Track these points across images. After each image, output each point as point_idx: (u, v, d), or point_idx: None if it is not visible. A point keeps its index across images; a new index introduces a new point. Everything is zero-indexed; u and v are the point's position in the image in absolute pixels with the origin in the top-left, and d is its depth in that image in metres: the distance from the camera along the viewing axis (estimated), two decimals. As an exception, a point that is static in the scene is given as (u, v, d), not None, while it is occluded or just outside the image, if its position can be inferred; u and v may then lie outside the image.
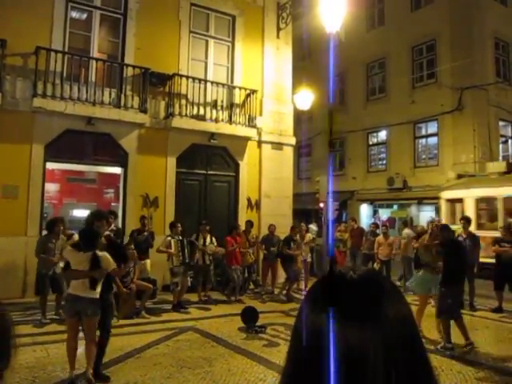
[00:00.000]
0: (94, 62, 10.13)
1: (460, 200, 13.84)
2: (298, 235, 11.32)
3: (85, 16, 10.62)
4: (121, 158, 10.47)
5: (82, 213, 12.99)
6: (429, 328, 6.85)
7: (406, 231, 11.79)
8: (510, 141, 18.44)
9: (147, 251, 9.19)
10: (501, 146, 17.77)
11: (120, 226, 10.36)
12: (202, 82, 11.24)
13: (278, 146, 12.47)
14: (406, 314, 0.72)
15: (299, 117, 15.84)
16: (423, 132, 19.32)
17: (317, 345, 0.67)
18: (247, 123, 11.66)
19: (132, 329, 7.38)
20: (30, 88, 9.25)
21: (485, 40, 17.42)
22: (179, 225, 9.23)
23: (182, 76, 10.87)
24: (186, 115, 10.86)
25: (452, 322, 6.49)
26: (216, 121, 11.24)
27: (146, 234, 9.27)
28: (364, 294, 0.71)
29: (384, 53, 20.05)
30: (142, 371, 5.42)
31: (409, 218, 16.82)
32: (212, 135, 11.20)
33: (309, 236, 11.71)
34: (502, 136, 18.09)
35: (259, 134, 12.06)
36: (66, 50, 9.89)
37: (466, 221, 9.67)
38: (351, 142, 21.66)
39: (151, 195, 10.54)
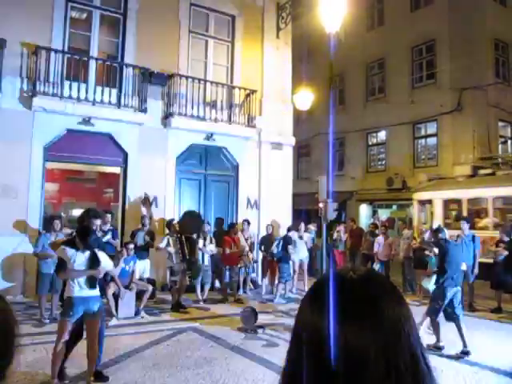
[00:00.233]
0: (94, 61, 10.13)
1: (430, 201, 14.62)
2: (296, 234, 11.36)
3: (85, 16, 10.62)
4: (120, 158, 10.47)
5: (81, 212, 13.01)
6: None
7: (406, 231, 11.81)
8: (509, 141, 18.46)
9: (147, 251, 9.21)
10: (500, 146, 17.79)
11: (119, 225, 10.39)
12: (202, 81, 11.24)
13: (277, 146, 12.47)
14: (405, 314, 0.72)
15: (299, 117, 15.85)
16: (422, 132, 19.32)
17: (317, 345, 0.67)
18: (247, 123, 11.66)
19: (131, 329, 7.38)
20: (30, 88, 9.26)
21: (484, 40, 17.44)
22: (175, 223, 9.27)
23: (181, 76, 10.87)
24: (185, 115, 10.86)
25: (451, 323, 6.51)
26: (215, 121, 11.25)
27: (145, 234, 9.29)
28: (364, 293, 0.71)
29: (383, 53, 20.05)
30: (142, 371, 5.43)
31: (408, 218, 16.83)
32: (211, 135, 11.20)
33: (307, 236, 11.73)
34: (502, 137, 18.11)
35: (259, 134, 12.06)
36: (66, 49, 9.89)
37: (466, 221, 9.67)
38: (350, 142, 21.66)
39: (151, 195, 10.54)
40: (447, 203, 14.21)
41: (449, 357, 6.17)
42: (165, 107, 10.89)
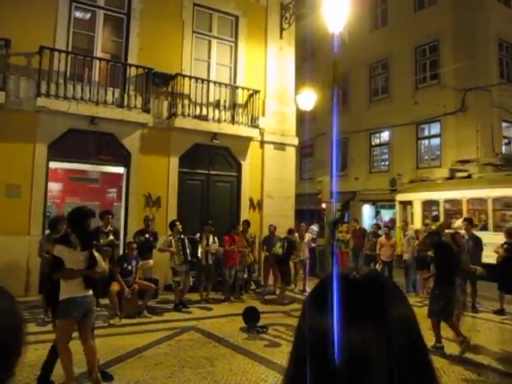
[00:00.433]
0: (98, 61, 10.16)
1: (410, 202, 15.40)
2: (296, 234, 11.36)
3: (88, 16, 10.65)
4: (123, 158, 10.49)
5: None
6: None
7: (411, 232, 11.79)
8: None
9: (150, 251, 9.22)
10: (504, 147, 17.73)
11: (122, 225, 10.41)
12: (205, 82, 11.25)
13: (280, 146, 12.47)
14: (408, 314, 0.73)
15: (302, 117, 15.85)
16: (426, 133, 19.29)
17: (320, 345, 0.67)
18: (250, 123, 11.66)
19: (134, 328, 7.40)
20: (34, 87, 9.28)
21: (488, 41, 17.39)
22: (178, 223, 9.26)
23: (184, 76, 10.89)
24: (188, 115, 10.87)
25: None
26: (218, 121, 11.25)
27: (147, 235, 9.30)
28: (367, 294, 0.71)
29: (387, 53, 20.03)
30: (144, 370, 5.43)
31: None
32: (214, 135, 11.21)
33: (308, 236, 11.73)
34: (505, 137, 18.05)
35: (262, 134, 12.06)
36: (70, 49, 9.91)
37: (469, 222, 9.65)
38: (354, 142, 21.64)
39: (154, 195, 10.56)
40: (426, 204, 14.98)
41: (451, 358, 6.15)
42: (168, 107, 10.91)
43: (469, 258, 8.79)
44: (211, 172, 11.56)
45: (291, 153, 12.80)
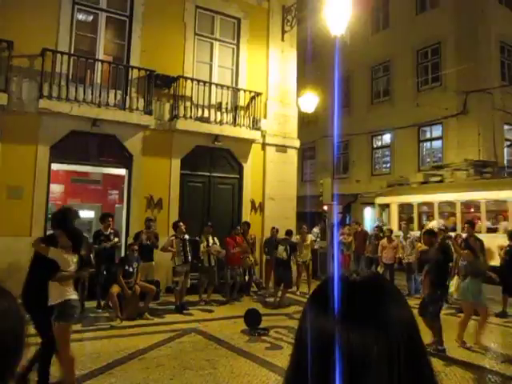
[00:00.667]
0: (100, 63, 10.17)
1: (388, 205, 16.23)
2: (298, 236, 11.37)
3: (91, 18, 10.68)
4: (125, 160, 10.50)
5: (86, 214, 13.04)
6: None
7: (413, 233, 11.78)
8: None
9: (151, 253, 9.23)
10: (506, 149, 17.72)
11: (124, 227, 10.43)
12: (207, 84, 11.27)
13: (282, 148, 12.47)
14: (407, 316, 0.73)
15: (303, 119, 15.86)
16: (428, 135, 19.29)
17: (321, 346, 0.67)
18: (251, 125, 11.67)
19: (135, 330, 7.40)
20: (36, 89, 9.31)
21: (490, 43, 17.38)
22: (182, 224, 9.26)
23: (186, 78, 10.90)
24: (190, 117, 10.89)
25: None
26: (220, 123, 11.27)
27: (149, 236, 9.32)
28: (367, 296, 0.72)
29: (389, 56, 20.04)
30: (145, 372, 5.43)
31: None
32: (216, 137, 11.22)
33: (310, 238, 11.71)
34: (507, 140, 18.03)
35: (263, 136, 12.07)
36: (72, 51, 9.94)
37: (470, 224, 9.62)
38: (355, 144, 21.64)
39: (155, 197, 10.57)
40: (402, 207, 15.93)
41: (453, 360, 6.13)
42: (170, 109, 10.93)
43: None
44: (213, 174, 11.57)
45: (293, 155, 12.80)
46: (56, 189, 12.40)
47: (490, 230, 12.51)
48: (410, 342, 0.71)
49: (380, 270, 11.11)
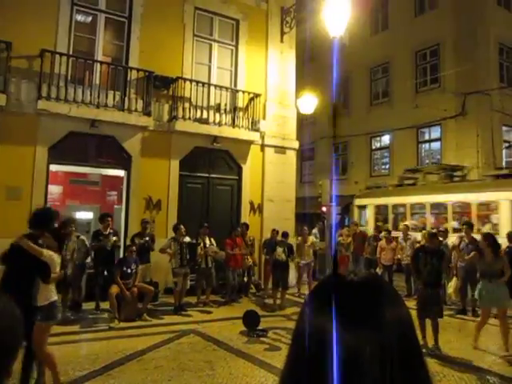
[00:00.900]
0: (99, 64, 10.17)
1: (365, 206, 17.08)
2: (299, 238, 11.35)
3: (90, 19, 10.68)
4: (124, 161, 10.49)
5: (85, 215, 13.03)
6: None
7: (413, 234, 11.76)
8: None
9: (148, 254, 9.24)
10: (504, 151, 17.74)
11: (122, 228, 10.41)
12: (206, 85, 11.27)
13: (280, 149, 12.48)
14: (404, 317, 0.73)
15: (302, 121, 15.87)
16: (426, 137, 19.31)
17: (317, 346, 0.67)
18: (250, 127, 11.67)
19: (134, 331, 7.39)
20: (35, 90, 9.30)
21: (488, 45, 17.41)
22: (182, 226, 9.28)
23: (185, 79, 10.91)
24: (189, 118, 10.89)
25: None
26: (219, 124, 11.27)
27: (146, 238, 9.31)
28: (364, 295, 0.71)
29: (388, 57, 20.07)
30: (144, 374, 5.42)
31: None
32: (215, 138, 11.22)
33: (311, 239, 11.69)
34: (506, 141, 18.04)
35: (262, 137, 12.07)
36: (71, 52, 9.93)
37: (469, 226, 9.63)
38: (354, 146, 21.66)
39: (154, 198, 10.56)
40: (378, 208, 16.78)
41: (451, 361, 6.14)
42: (169, 110, 10.92)
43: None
44: (212, 175, 11.56)
45: (292, 156, 12.81)
46: (54, 190, 12.37)
47: (456, 231, 12.68)
48: (407, 342, 0.70)
49: (379, 271, 11.10)
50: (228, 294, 10.04)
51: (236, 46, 12.20)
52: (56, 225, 5.28)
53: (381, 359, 0.65)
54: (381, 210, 16.66)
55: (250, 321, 7.50)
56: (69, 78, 9.61)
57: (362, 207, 17.28)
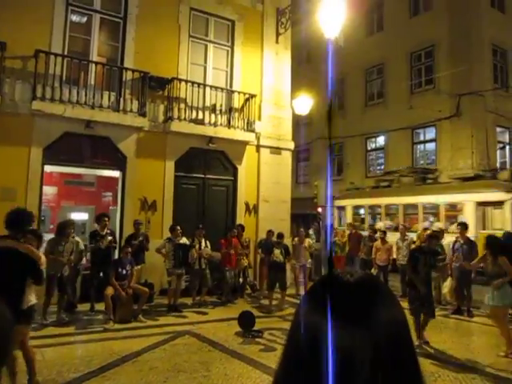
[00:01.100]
0: (94, 65, 10.13)
1: (344, 207, 18.09)
2: (296, 239, 11.35)
3: (85, 19, 10.64)
4: (119, 162, 10.46)
5: (80, 216, 12.99)
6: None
7: (410, 235, 11.78)
8: (507, 147, 18.52)
9: (142, 254, 9.23)
10: (498, 152, 17.85)
11: (118, 229, 10.38)
12: (201, 86, 11.26)
13: (276, 150, 12.48)
14: (398, 317, 0.73)
15: (298, 121, 15.88)
16: (421, 137, 19.39)
17: (311, 345, 0.67)
18: (246, 127, 11.67)
19: (129, 332, 7.37)
20: (29, 91, 9.25)
21: (483, 47, 17.52)
22: (178, 227, 9.28)
23: (181, 80, 10.89)
24: (184, 119, 10.87)
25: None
26: (214, 125, 11.26)
27: (140, 238, 9.30)
28: (358, 295, 0.72)
29: (383, 58, 20.14)
30: (139, 375, 5.41)
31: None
32: (210, 139, 11.21)
33: (308, 241, 11.69)
34: (500, 142, 18.16)
35: (258, 138, 12.07)
36: (66, 53, 9.88)
37: (463, 226, 9.66)
38: (350, 147, 21.70)
39: (149, 199, 10.53)
40: (355, 209, 17.85)
41: (446, 361, 6.15)
42: (164, 111, 10.90)
43: None
44: (207, 176, 11.55)
45: (287, 157, 12.81)
46: (49, 191, 12.34)
47: (426, 230, 12.97)
48: (401, 342, 0.71)
49: (374, 271, 11.12)
50: (225, 294, 10.04)
51: (231, 47, 12.20)
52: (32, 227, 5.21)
53: (375, 359, 0.65)
54: (358, 211, 17.82)
55: (246, 322, 7.50)
56: (64, 78, 9.57)
57: (342, 208, 18.24)
